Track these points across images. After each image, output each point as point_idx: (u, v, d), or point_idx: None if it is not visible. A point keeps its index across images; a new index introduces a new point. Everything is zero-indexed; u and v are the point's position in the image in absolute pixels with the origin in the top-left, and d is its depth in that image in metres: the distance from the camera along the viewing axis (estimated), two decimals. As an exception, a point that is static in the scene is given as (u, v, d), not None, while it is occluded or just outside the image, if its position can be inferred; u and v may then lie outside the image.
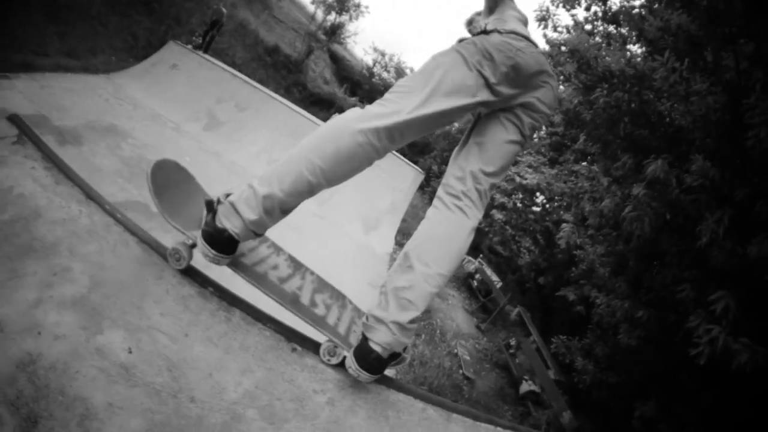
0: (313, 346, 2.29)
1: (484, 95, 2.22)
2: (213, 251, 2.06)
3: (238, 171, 11.05)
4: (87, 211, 2.20)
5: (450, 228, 2.27)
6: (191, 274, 2.21)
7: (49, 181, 2.23)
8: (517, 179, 17.84)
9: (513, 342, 12.27)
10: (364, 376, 2.13)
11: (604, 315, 9.48)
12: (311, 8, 26.71)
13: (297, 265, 2.70)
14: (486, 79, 2.20)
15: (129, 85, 12.91)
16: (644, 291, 8.56)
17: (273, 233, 2.39)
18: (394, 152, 14.19)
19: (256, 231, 2.13)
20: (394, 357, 2.24)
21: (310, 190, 2.16)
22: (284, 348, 2.22)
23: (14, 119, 2.46)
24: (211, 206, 2.11)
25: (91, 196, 2.28)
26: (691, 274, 7.00)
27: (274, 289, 2.26)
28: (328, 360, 2.20)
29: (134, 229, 2.24)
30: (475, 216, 2.33)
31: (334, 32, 26.92)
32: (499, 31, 2.30)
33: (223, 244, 2.07)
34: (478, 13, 2.83)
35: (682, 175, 6.55)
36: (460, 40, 2.36)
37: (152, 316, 1.94)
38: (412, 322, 2.19)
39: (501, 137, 2.33)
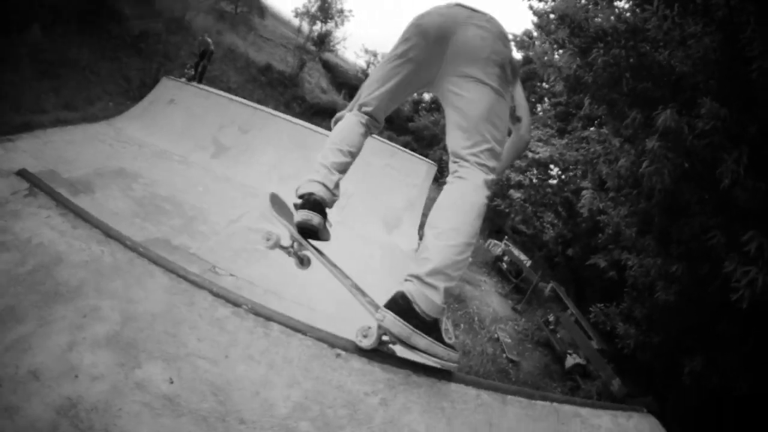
0: (357, 349, 2.25)
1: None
2: (313, 213, 2.47)
3: (250, 192, 11.08)
4: (108, 250, 2.16)
5: (452, 194, 2.29)
6: (223, 294, 2.17)
7: (66, 227, 2.20)
8: (530, 155, 17.70)
9: (551, 318, 12.15)
10: (390, 316, 2.15)
11: (637, 276, 9.35)
12: (296, 21, 26.73)
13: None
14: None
15: (130, 127, 12.98)
16: (674, 245, 8.42)
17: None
18: (403, 149, 14.22)
19: (333, 191, 2.56)
20: (435, 326, 2.27)
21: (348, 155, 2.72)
22: (328, 355, 2.17)
23: (23, 173, 2.48)
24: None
25: (110, 234, 2.25)
26: (717, 221, 6.87)
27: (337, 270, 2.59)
28: (360, 341, 2.19)
29: (159, 260, 2.20)
30: (476, 175, 2.28)
31: (323, 41, 26.92)
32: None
33: (312, 204, 2.45)
34: None
35: (693, 121, 6.43)
36: None
37: (189, 343, 1.90)
38: (430, 274, 2.17)
39: (455, 103, 2.35)
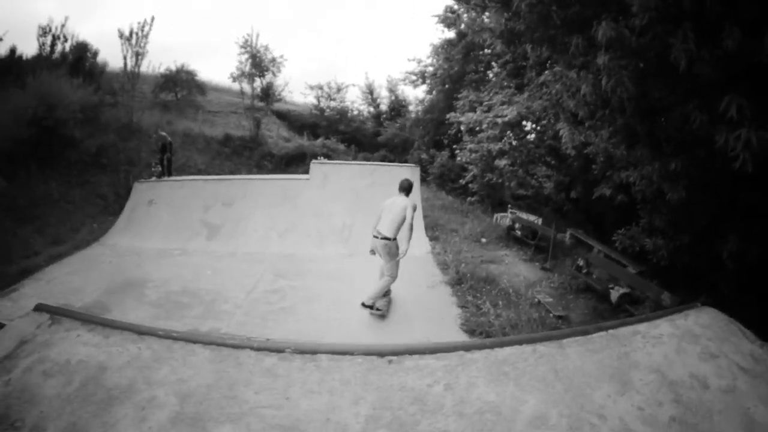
0: (406, 350, 2.35)
1: None
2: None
3: (256, 258, 11.29)
4: (145, 345, 2.25)
5: None
6: (265, 347, 2.27)
7: (99, 339, 2.28)
8: (498, 120, 17.79)
9: (581, 263, 12.08)
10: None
11: (644, 188, 9.35)
12: (236, 86, 26.93)
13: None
14: None
15: (122, 240, 13.09)
16: (664, 144, 8.44)
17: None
18: (381, 163, 14.35)
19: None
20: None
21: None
22: (381, 365, 2.28)
23: (40, 307, 2.58)
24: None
25: (142, 331, 2.33)
26: (694, 104, 6.86)
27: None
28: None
29: (196, 338, 2.30)
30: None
31: (268, 94, 27.08)
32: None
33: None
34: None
35: (631, 23, 6.47)
36: None
37: (249, 399, 1.98)
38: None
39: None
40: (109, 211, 15.48)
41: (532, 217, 16.03)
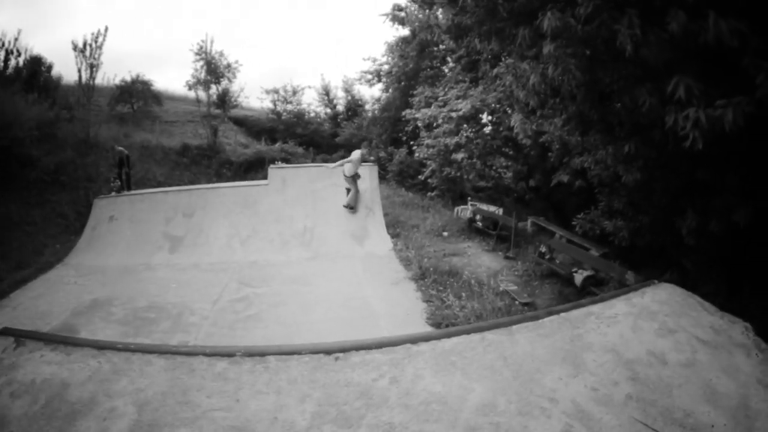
0: (353, 346, 2.54)
1: None
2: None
3: (220, 267, 11.38)
4: (105, 359, 2.40)
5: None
6: (216, 352, 2.42)
7: (61, 357, 2.42)
8: (453, 114, 18.07)
9: (543, 249, 12.35)
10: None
11: (600, 173, 9.64)
12: (192, 94, 26.62)
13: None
14: None
15: (85, 259, 12.99)
16: (617, 128, 8.67)
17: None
18: (340, 162, 14.58)
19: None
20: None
21: None
22: (328, 362, 2.42)
23: (5, 331, 2.68)
24: None
25: (101, 346, 2.48)
26: (644, 88, 7.01)
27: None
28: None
29: (152, 348, 2.45)
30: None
31: (224, 101, 26.85)
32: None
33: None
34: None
35: (577, 12, 6.59)
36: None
37: (201, 403, 2.14)
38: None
39: None
40: (70, 230, 15.34)
41: (492, 208, 16.27)
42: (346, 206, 13.41)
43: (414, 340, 2.64)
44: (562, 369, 2.58)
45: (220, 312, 8.97)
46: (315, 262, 11.54)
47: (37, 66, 21.83)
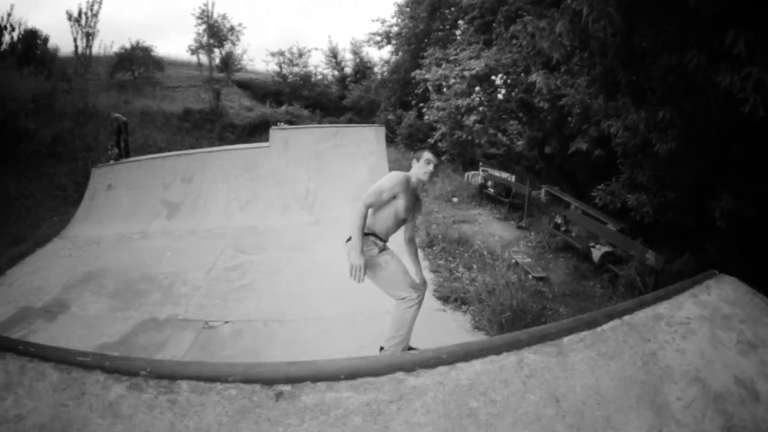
0: (306, 374, 1.73)
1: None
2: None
3: (218, 233, 10.92)
4: (2, 365, 1.77)
5: None
6: (116, 367, 1.75)
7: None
8: (466, 74, 17.27)
9: (559, 220, 11.78)
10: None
11: (627, 140, 8.95)
12: (194, 59, 26.14)
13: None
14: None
15: (83, 230, 12.65)
16: (649, 93, 8.01)
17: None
18: (346, 125, 13.98)
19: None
20: None
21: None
22: (264, 401, 1.63)
23: None
24: None
25: (3, 346, 1.84)
26: (691, 40, 6.27)
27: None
28: None
29: (50, 355, 1.80)
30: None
31: (228, 65, 26.40)
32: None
33: None
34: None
35: None
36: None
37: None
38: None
39: None
40: (69, 202, 15.04)
41: (505, 174, 15.72)
42: None
43: (410, 365, 1.72)
44: (641, 416, 1.73)
45: (212, 282, 8.53)
46: (316, 228, 11.06)
47: (32, 40, 21.71)
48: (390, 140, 18.07)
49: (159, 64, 26.37)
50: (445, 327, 6.73)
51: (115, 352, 6.56)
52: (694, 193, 8.31)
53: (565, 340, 1.91)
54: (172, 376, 1.69)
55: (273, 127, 15.40)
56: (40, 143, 16.90)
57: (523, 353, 1.81)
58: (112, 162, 15.16)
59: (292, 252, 9.77)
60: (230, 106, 24.68)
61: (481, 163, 17.44)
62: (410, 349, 4.94)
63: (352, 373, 1.69)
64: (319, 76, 30.47)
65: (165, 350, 6.34)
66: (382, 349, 4.89)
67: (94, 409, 1.59)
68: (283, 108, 25.27)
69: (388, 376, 1.68)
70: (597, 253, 9.98)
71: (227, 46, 26.00)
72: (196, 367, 1.74)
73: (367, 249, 4.56)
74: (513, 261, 9.73)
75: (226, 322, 5.93)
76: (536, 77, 10.45)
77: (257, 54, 40.43)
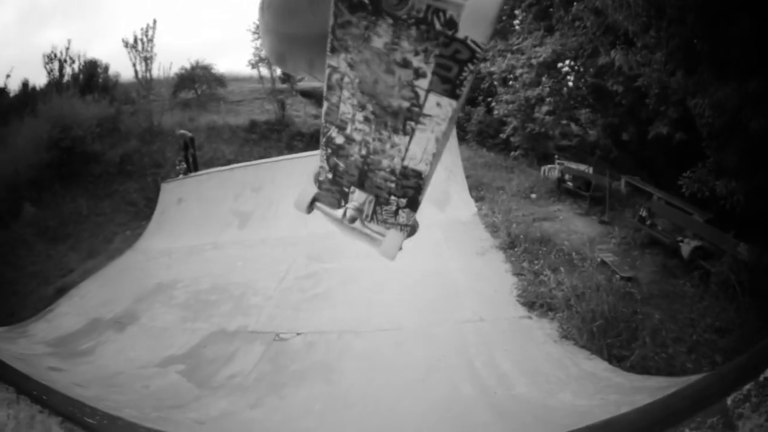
0: None
1: None
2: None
3: (290, 242, 10.62)
4: (14, 412, 1.41)
5: None
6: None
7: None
8: (533, 61, 16.43)
9: (643, 213, 10.99)
10: None
11: (713, 118, 8.08)
12: (255, 73, 26.31)
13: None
14: None
15: (154, 243, 12.82)
16: (734, 63, 7.14)
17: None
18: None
19: None
20: None
21: None
22: None
23: None
24: None
25: (22, 390, 1.43)
26: None
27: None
28: None
29: (62, 409, 1.44)
30: None
31: (289, 76, 26.36)
32: None
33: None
34: None
35: None
36: None
37: None
38: None
39: None
40: (140, 217, 15.31)
41: (582, 167, 14.92)
42: None
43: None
44: None
45: (284, 291, 8.24)
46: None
47: (93, 69, 22.26)
48: (461, 138, 17.53)
49: (220, 80, 26.60)
50: (531, 336, 6.25)
51: (181, 365, 6.47)
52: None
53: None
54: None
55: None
56: (109, 163, 17.45)
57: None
58: (181, 176, 15.33)
59: (367, 259, 9.10)
60: (296, 115, 24.58)
61: (556, 157, 16.65)
62: None
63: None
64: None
65: (233, 364, 6.13)
66: None
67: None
68: (347, 113, 24.89)
69: None
70: (686, 248, 9.20)
71: (287, 57, 26.08)
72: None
73: None
74: (599, 260, 9.08)
75: (298, 334, 5.59)
76: (614, 54, 9.70)
77: (319, 62, 40.72)
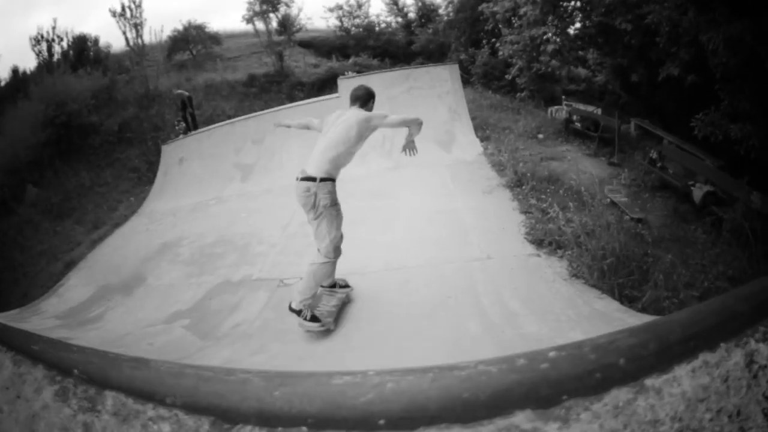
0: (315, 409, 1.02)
1: None
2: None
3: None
4: None
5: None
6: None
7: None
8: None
9: (654, 155, 10.79)
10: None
11: (728, 57, 7.72)
12: (250, 28, 25.85)
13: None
14: None
15: (158, 205, 12.78)
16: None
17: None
18: (416, 66, 13.23)
19: None
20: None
21: None
22: None
23: None
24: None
25: None
26: None
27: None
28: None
29: (13, 340, 1.20)
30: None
31: (286, 27, 25.90)
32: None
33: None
34: None
35: None
36: None
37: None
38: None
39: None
40: (144, 182, 15.36)
41: (590, 108, 14.60)
42: (295, 310, 5.46)
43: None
44: None
45: (289, 238, 8.14)
46: (396, 173, 10.44)
47: (82, 44, 22.45)
48: (465, 81, 17.19)
49: (215, 38, 26.34)
50: (540, 275, 6.05)
51: (186, 319, 6.37)
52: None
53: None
54: (104, 382, 1.01)
55: (341, 77, 14.84)
56: (108, 133, 17.40)
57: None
58: (181, 136, 15.16)
59: (373, 199, 9.18)
60: (296, 65, 24.32)
61: (564, 98, 16.30)
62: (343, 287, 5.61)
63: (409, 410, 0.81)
64: (383, 25, 29.29)
65: (237, 313, 6.04)
66: (291, 309, 5.04)
67: (18, 421, 1.02)
68: (351, 60, 24.70)
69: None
70: (698, 192, 9.07)
71: (282, 8, 25.48)
72: (130, 370, 1.03)
73: (331, 193, 4.96)
74: (608, 200, 9.04)
75: (301, 278, 5.35)
76: None
77: (314, 12, 39.97)
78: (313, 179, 4.82)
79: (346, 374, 0.86)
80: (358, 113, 5.16)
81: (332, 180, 4.94)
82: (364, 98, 5.35)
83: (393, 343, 4.74)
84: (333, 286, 5.53)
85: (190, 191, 12.53)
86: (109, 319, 7.11)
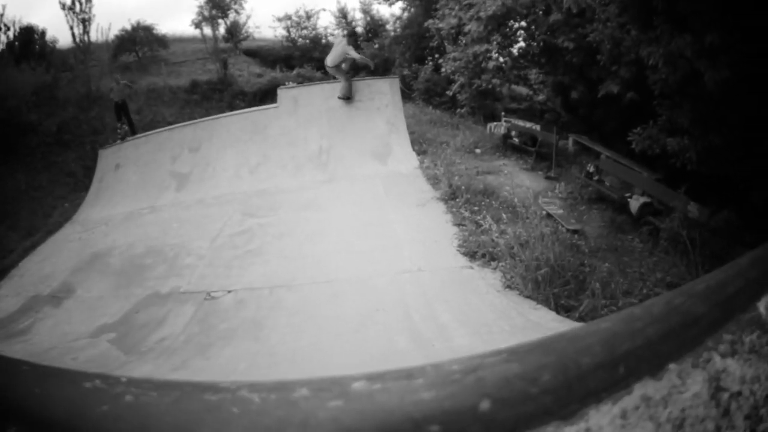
0: None
1: None
2: None
3: (225, 200, 10.61)
4: None
5: None
6: None
7: None
8: (482, 15, 16.06)
9: (591, 168, 11.11)
10: None
11: (667, 76, 8.06)
12: (198, 33, 25.53)
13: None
14: None
15: (91, 213, 12.48)
16: (691, 17, 7.10)
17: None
18: (357, 78, 13.50)
19: None
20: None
21: None
22: None
23: None
24: None
25: None
26: None
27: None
28: None
29: None
30: None
31: (233, 34, 25.72)
32: None
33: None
34: None
35: None
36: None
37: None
38: None
39: None
40: (79, 187, 14.75)
41: (528, 124, 14.95)
42: (340, 97, 12.44)
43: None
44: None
45: (217, 250, 8.12)
46: (331, 185, 10.49)
47: (29, 35, 21.50)
48: (407, 96, 17.36)
49: (163, 41, 25.85)
50: (473, 287, 6.19)
51: (112, 333, 6.26)
52: (744, 137, 7.52)
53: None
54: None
55: (281, 87, 14.86)
56: (46, 134, 16.73)
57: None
58: (119, 142, 14.88)
59: (305, 212, 9.26)
60: (239, 74, 24.08)
61: (504, 113, 16.63)
62: None
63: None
64: (331, 37, 29.39)
65: (163, 327, 5.99)
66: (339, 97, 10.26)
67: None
68: (294, 71, 24.56)
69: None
70: (635, 203, 9.35)
71: (231, 15, 25.32)
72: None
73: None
74: (544, 212, 9.14)
75: (228, 292, 5.42)
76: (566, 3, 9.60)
77: (263, 21, 39.65)
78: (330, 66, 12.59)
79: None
80: (344, 43, 12.66)
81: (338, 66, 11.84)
82: (351, 35, 12.85)
83: (319, 359, 4.75)
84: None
85: (124, 199, 12.32)
86: (37, 331, 6.93)
